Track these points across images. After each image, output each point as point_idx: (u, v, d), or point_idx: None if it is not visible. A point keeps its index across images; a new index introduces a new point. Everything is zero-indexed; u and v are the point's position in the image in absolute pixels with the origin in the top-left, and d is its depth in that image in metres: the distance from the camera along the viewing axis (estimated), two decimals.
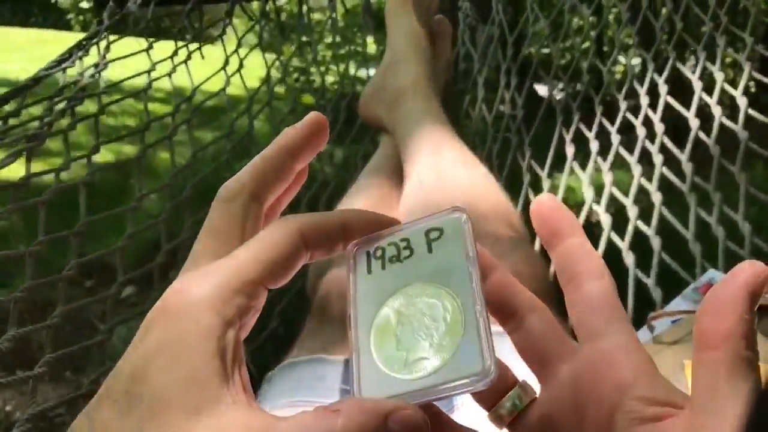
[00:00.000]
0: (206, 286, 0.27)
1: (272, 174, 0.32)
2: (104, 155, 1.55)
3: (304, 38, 1.66)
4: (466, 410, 0.66)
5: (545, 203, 0.32)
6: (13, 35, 6.35)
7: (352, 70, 1.63)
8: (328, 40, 1.92)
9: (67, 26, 9.31)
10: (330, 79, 1.70)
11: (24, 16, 8.82)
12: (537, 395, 0.31)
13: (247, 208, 0.31)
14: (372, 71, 1.51)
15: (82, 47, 1.19)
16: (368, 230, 0.32)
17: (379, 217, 0.33)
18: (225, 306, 0.27)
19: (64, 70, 1.12)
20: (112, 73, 1.18)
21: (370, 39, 1.73)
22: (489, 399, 0.31)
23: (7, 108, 1.01)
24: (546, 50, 1.62)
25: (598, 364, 0.29)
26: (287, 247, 0.29)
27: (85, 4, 9.64)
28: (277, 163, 0.32)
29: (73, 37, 1.25)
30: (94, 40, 1.21)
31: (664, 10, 1.36)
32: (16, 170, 0.92)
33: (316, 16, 2.17)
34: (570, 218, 0.32)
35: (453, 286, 0.29)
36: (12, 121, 0.98)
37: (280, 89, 1.60)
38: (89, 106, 1.13)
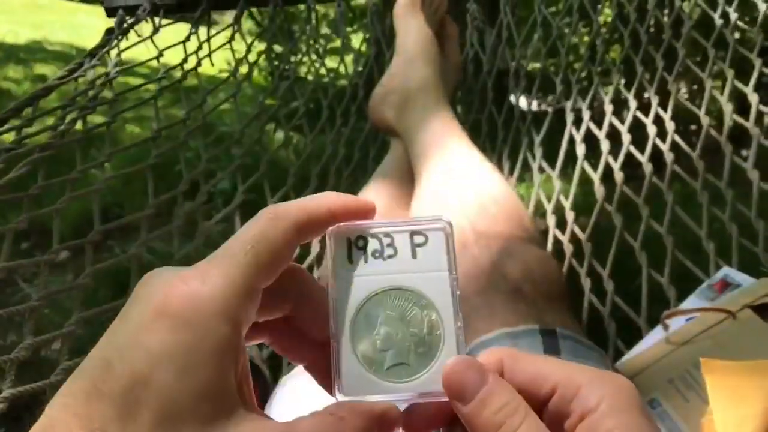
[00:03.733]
0: (214, 290, 0.27)
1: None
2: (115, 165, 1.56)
3: (311, 42, 1.66)
4: None
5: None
6: None
7: (356, 70, 1.63)
8: (336, 44, 1.92)
9: None
10: (341, 82, 1.71)
11: None
12: None
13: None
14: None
15: (93, 55, 1.20)
16: (350, 217, 0.33)
17: (358, 204, 0.33)
18: (236, 314, 0.27)
19: (76, 79, 1.13)
20: (122, 81, 1.19)
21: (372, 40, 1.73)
22: None
23: (20, 118, 1.02)
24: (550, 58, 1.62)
25: None
26: (286, 247, 0.30)
27: None
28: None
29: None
30: (105, 49, 1.22)
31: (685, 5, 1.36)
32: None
33: (324, 25, 2.17)
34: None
35: (436, 298, 0.31)
36: (26, 131, 0.99)
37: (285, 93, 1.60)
38: (101, 115, 1.14)
